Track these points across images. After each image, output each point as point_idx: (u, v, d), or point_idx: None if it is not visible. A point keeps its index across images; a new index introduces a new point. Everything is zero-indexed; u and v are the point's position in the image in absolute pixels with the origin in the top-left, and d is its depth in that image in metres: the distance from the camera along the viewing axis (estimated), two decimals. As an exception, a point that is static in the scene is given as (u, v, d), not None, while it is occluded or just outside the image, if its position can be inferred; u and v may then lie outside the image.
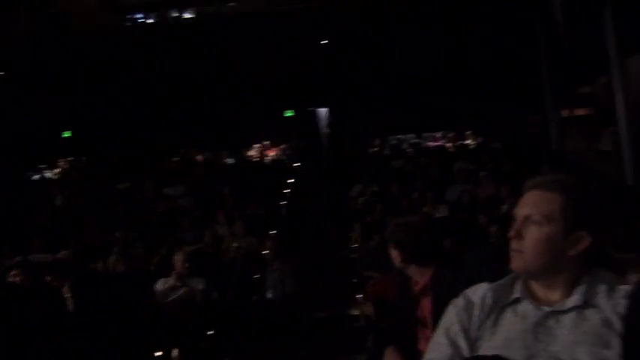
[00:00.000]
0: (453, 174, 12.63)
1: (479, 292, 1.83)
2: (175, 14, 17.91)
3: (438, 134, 17.37)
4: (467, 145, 16.13)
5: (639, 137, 10.98)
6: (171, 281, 6.53)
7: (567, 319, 1.65)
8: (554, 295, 1.71)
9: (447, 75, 17.51)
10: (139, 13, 17.90)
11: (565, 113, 16.24)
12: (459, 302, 1.84)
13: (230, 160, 16.75)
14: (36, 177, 16.91)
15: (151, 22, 17.88)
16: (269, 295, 8.11)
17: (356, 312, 8.17)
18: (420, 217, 3.57)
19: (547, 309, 1.68)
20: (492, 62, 17.12)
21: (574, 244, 1.68)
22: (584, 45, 12.74)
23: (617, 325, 1.57)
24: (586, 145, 17.00)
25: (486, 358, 1.55)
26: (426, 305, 2.97)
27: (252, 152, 17.22)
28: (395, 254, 3.09)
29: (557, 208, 1.69)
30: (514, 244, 1.73)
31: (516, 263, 1.73)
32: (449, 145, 16.23)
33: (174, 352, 5.65)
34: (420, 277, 3.03)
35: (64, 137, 19.01)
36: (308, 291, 9.26)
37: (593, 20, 11.40)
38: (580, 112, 16.83)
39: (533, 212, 1.71)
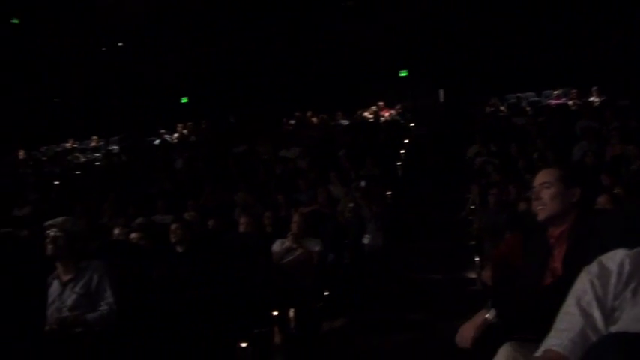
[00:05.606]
0: (574, 133, 12.00)
1: (616, 258, 1.67)
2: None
3: (559, 91, 16.57)
4: (591, 102, 15.32)
5: None
6: (287, 242, 6.57)
7: None
8: None
9: (568, 28, 16.73)
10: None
11: None
12: (592, 269, 1.69)
13: (345, 122, 16.67)
14: (157, 142, 17.38)
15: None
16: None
17: (473, 275, 8.00)
18: None
19: None
20: (621, 16, 16.22)
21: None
22: None
23: None
24: None
25: (629, 335, 1.38)
26: (558, 255, 2.86)
27: (367, 113, 17.06)
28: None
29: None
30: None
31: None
32: (571, 102, 15.46)
33: (291, 312, 5.71)
34: (561, 223, 2.91)
35: (182, 103, 19.66)
36: (424, 253, 9.15)
37: None
38: None
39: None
